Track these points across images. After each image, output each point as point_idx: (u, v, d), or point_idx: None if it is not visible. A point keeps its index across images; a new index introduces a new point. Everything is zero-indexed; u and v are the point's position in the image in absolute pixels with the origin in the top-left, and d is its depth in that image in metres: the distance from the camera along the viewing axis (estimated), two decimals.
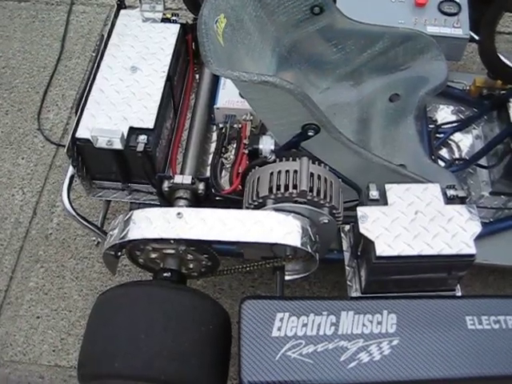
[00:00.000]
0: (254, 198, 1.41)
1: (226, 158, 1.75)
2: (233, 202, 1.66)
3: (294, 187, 1.38)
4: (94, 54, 1.73)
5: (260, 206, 1.42)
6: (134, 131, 1.53)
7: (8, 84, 2.41)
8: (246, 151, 1.69)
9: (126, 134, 1.51)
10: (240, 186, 1.64)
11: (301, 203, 1.39)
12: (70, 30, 2.58)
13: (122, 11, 1.82)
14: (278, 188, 1.39)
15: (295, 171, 1.40)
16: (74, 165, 1.59)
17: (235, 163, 1.72)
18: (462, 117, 2.00)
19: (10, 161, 2.19)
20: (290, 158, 1.43)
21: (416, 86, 1.78)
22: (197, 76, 1.93)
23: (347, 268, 1.54)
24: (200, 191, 1.57)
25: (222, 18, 1.55)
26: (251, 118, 1.77)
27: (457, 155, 1.93)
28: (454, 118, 2.00)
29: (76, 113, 1.59)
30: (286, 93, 1.33)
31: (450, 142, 1.97)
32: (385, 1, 1.90)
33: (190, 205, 1.56)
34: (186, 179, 1.55)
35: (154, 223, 1.38)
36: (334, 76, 1.89)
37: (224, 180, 1.74)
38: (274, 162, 1.45)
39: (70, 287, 1.90)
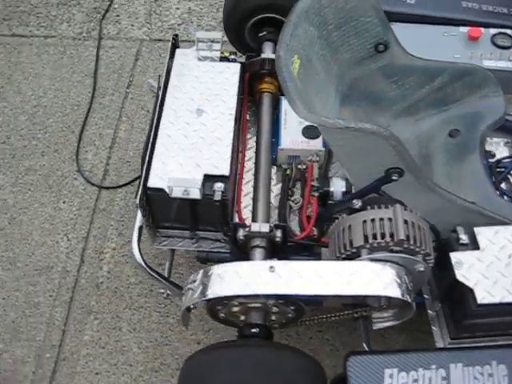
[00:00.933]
0: (348, 248, 1.39)
1: (293, 201, 1.71)
2: (304, 247, 1.63)
3: (391, 236, 1.35)
4: (154, 96, 1.69)
5: (353, 256, 1.38)
6: (209, 179, 1.50)
7: (41, 124, 2.37)
8: (316, 194, 1.67)
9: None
10: (313, 231, 1.62)
11: (396, 252, 1.36)
12: (100, 65, 2.55)
13: (178, 50, 1.79)
14: (374, 237, 1.36)
15: (389, 219, 1.38)
16: (144, 215, 1.54)
17: (303, 206, 1.69)
18: None
19: (50, 205, 2.14)
20: (381, 205, 1.40)
21: (475, 120, 1.80)
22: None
23: (430, 312, 1.51)
24: (277, 239, 1.54)
25: (296, 59, 1.54)
26: (317, 158, 1.74)
27: None
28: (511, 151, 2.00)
29: (143, 160, 1.55)
30: (379, 138, 1.32)
31: (510, 176, 1.96)
32: (437, 35, 1.91)
33: (267, 253, 1.52)
34: (264, 227, 1.53)
35: (244, 278, 1.35)
36: (392, 112, 1.88)
37: (292, 224, 1.70)
38: (362, 209, 1.42)
39: (127, 339, 1.84)
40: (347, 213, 1.44)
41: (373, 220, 1.39)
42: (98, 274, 1.98)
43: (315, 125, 1.59)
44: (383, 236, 1.36)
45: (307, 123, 1.77)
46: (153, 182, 1.49)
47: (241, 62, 1.79)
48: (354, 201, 1.45)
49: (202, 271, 1.40)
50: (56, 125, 2.35)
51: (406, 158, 1.39)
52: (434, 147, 1.82)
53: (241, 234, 1.54)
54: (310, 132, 1.77)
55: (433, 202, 1.47)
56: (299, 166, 1.76)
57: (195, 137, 1.58)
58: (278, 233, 1.54)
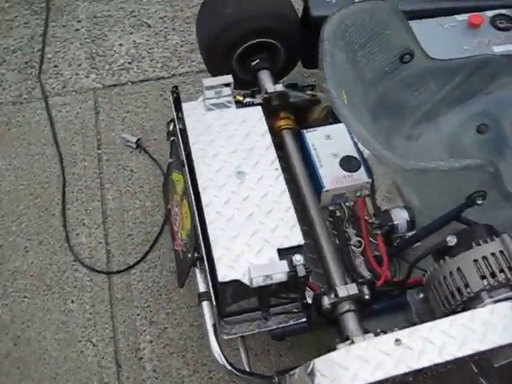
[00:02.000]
0: (464, 294, 1.26)
1: (354, 245, 1.56)
2: (384, 293, 1.49)
3: (510, 270, 1.23)
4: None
5: (469, 303, 1.26)
6: (284, 253, 1.32)
7: (12, 214, 2.07)
8: (379, 231, 1.53)
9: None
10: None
11: None
12: (57, 129, 2.25)
13: (184, 105, 1.57)
14: (492, 276, 1.24)
15: (501, 252, 1.26)
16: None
17: (366, 248, 1.54)
18: None
19: (57, 309, 1.86)
20: (483, 238, 1.28)
21: (500, 111, 1.74)
22: None
23: None
24: (366, 296, 1.38)
25: (344, 94, 1.38)
26: (366, 192, 1.60)
27: None
28: None
29: (195, 249, 1.35)
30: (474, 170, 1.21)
31: None
32: (437, 29, 1.82)
33: (358, 315, 1.38)
34: (351, 289, 1.38)
35: (371, 362, 1.18)
36: (412, 120, 1.79)
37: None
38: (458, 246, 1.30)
39: None
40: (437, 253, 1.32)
41: (484, 257, 1.27)
42: (142, 376, 1.74)
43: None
44: (502, 272, 1.25)
45: (342, 155, 1.63)
46: (223, 275, 1.30)
47: (259, 103, 1.61)
48: (449, 237, 1.32)
49: (309, 367, 1.22)
50: (30, 211, 2.05)
51: (498, 179, 1.28)
52: (464, 148, 1.75)
53: (326, 302, 1.38)
54: (349, 164, 1.63)
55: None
56: (347, 204, 1.62)
57: (249, 206, 1.39)
58: (366, 289, 1.39)
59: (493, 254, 1.27)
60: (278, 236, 1.35)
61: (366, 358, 1.20)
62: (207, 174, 1.44)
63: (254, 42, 1.81)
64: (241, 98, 1.61)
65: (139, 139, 2.18)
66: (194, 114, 1.56)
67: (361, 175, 1.61)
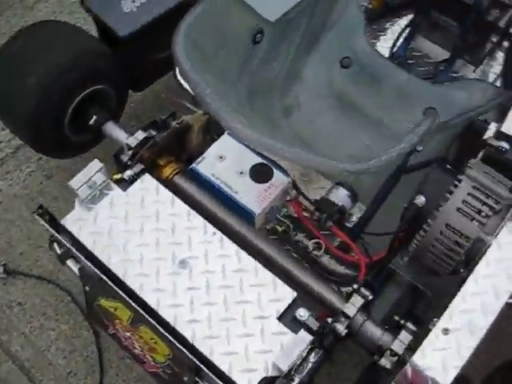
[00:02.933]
0: (466, 244, 1.22)
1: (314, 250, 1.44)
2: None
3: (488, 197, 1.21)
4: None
5: (475, 248, 1.22)
6: (286, 318, 1.19)
7: None
8: (331, 222, 1.42)
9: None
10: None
11: None
12: None
13: (65, 221, 1.27)
14: (479, 213, 1.21)
15: (474, 187, 1.23)
16: None
17: (327, 244, 1.43)
18: None
19: None
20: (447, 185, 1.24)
21: (349, 40, 1.69)
22: None
23: None
24: (370, 296, 1.31)
25: None
26: (295, 192, 1.46)
27: None
28: None
29: (192, 371, 1.14)
30: None
31: None
32: None
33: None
34: (356, 301, 1.29)
35: (437, 366, 1.12)
36: (283, 89, 1.67)
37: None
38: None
39: None
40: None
41: (464, 201, 1.22)
42: None
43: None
44: (484, 205, 1.22)
45: (247, 168, 1.46)
46: (248, 381, 1.11)
47: (141, 170, 1.35)
48: (416, 200, 1.26)
49: None
50: None
51: None
52: (341, 89, 1.66)
53: (342, 329, 1.26)
54: (261, 174, 1.47)
55: None
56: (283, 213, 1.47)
57: (216, 293, 1.20)
58: (365, 290, 1.30)
59: (469, 194, 1.23)
60: (268, 304, 1.18)
61: (431, 364, 1.13)
62: (149, 285, 1.20)
63: (80, 98, 1.52)
64: (118, 176, 1.34)
65: (4, 264, 1.81)
66: (84, 226, 1.27)
67: (278, 178, 1.46)
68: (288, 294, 1.19)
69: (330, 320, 1.28)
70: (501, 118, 1.42)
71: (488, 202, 1.22)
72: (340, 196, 1.45)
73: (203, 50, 1.28)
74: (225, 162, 1.49)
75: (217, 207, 1.43)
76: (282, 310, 1.17)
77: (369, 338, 1.28)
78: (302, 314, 1.17)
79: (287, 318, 1.17)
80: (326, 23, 1.64)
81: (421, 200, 1.26)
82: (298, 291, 1.33)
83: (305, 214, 1.47)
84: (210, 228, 1.26)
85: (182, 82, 1.64)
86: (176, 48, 1.20)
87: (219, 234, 1.25)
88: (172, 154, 1.50)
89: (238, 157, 1.49)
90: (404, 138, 1.08)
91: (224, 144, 1.51)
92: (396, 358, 1.23)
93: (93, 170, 1.28)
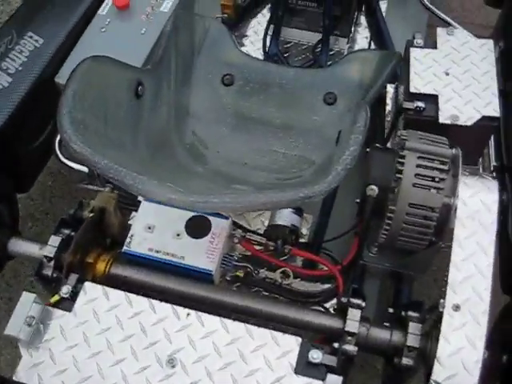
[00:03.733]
0: (435, 215, 1.19)
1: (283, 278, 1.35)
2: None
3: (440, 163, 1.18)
4: None
5: (446, 215, 1.19)
6: (301, 369, 1.07)
7: None
8: (288, 245, 1.34)
9: None
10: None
11: None
12: None
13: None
14: (436, 180, 1.18)
15: (419, 157, 1.20)
16: None
17: (292, 269, 1.35)
18: None
19: None
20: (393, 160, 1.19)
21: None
22: None
23: None
24: (363, 304, 1.23)
25: None
26: (240, 231, 1.36)
27: None
28: None
29: None
30: None
31: None
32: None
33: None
34: (354, 314, 1.20)
35: (464, 346, 1.08)
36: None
37: None
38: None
39: None
40: None
41: (417, 175, 1.18)
42: None
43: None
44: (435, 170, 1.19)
45: (181, 228, 1.33)
46: None
47: (78, 279, 1.18)
48: (368, 191, 1.21)
49: None
50: None
51: None
52: (233, 108, 1.59)
53: (353, 349, 1.18)
54: (199, 229, 1.34)
55: None
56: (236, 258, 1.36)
57: (221, 374, 1.06)
58: (356, 300, 1.23)
59: (418, 166, 1.19)
60: (278, 363, 1.07)
61: (458, 345, 1.08)
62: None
63: None
64: (57, 298, 1.15)
65: None
66: (42, 371, 1.06)
67: (218, 224, 1.34)
68: (293, 342, 1.08)
69: (336, 345, 1.21)
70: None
71: (437, 166, 1.19)
72: (285, 216, 1.37)
73: (94, 128, 1.13)
74: (155, 231, 1.34)
75: (171, 281, 1.29)
76: (295, 362, 1.07)
77: (380, 344, 1.21)
78: (316, 355, 1.07)
79: (303, 367, 1.07)
80: (193, 48, 1.53)
81: (374, 190, 1.21)
82: (292, 331, 1.25)
83: (257, 247, 1.38)
84: (181, 310, 1.12)
85: (71, 164, 1.49)
86: (67, 137, 1.04)
87: (193, 312, 1.12)
88: (97, 246, 1.33)
89: (166, 220, 1.35)
90: (347, 148, 1.01)
91: (146, 213, 1.37)
92: (416, 352, 1.18)
93: (26, 305, 1.08)
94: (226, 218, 1.35)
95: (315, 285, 1.36)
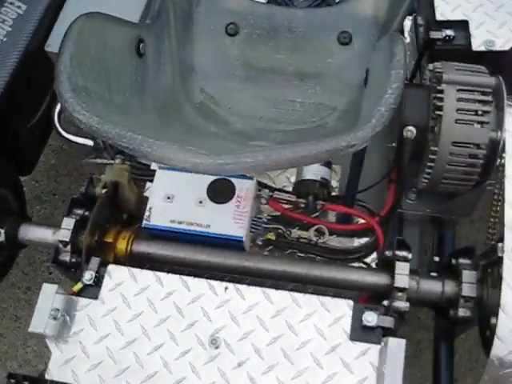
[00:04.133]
0: (482, 151, 1.06)
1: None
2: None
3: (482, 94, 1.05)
4: None
5: (494, 147, 1.06)
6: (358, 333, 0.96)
7: None
8: (320, 201, 1.22)
9: None
10: None
11: None
12: None
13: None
14: (480, 114, 1.05)
15: (459, 90, 1.06)
16: None
17: (328, 225, 1.23)
18: None
19: None
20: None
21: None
22: None
23: None
24: (409, 255, 1.12)
25: None
26: (266, 191, 1.23)
27: None
28: None
29: None
30: None
31: None
32: None
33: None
34: (403, 268, 1.08)
35: None
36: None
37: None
38: None
39: None
40: None
41: (459, 110, 1.05)
42: None
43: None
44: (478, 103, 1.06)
45: (202, 194, 1.20)
46: None
47: (101, 262, 1.06)
48: (407, 133, 1.07)
49: None
50: None
51: None
52: (241, 60, 1.44)
53: (404, 305, 1.07)
54: (222, 193, 1.21)
55: None
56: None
57: (270, 350, 0.95)
58: (403, 252, 1.11)
59: (459, 100, 1.06)
60: (331, 331, 0.96)
61: None
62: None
63: None
64: (80, 286, 1.03)
65: None
66: (76, 366, 0.96)
67: (243, 186, 1.21)
68: (344, 307, 0.98)
69: (385, 303, 1.10)
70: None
71: (480, 98, 1.06)
72: (314, 169, 1.24)
73: (97, 94, 0.99)
74: (175, 200, 1.22)
75: (199, 253, 1.17)
76: (349, 328, 0.96)
77: (432, 297, 1.10)
78: (370, 318, 0.97)
79: (358, 332, 0.96)
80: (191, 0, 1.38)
81: (411, 131, 1.08)
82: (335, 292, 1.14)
83: (287, 206, 1.26)
84: (218, 285, 1.01)
85: (73, 138, 1.36)
86: (69, 107, 0.91)
87: (231, 285, 1.01)
88: (115, 224, 1.21)
89: (186, 187, 1.23)
90: (388, 86, 0.87)
91: (162, 182, 1.24)
92: (472, 302, 1.07)
93: (48, 297, 0.97)
94: (250, 178, 1.22)
95: (352, 240, 1.25)
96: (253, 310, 0.98)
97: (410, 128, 1.08)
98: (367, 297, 1.18)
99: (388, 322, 0.97)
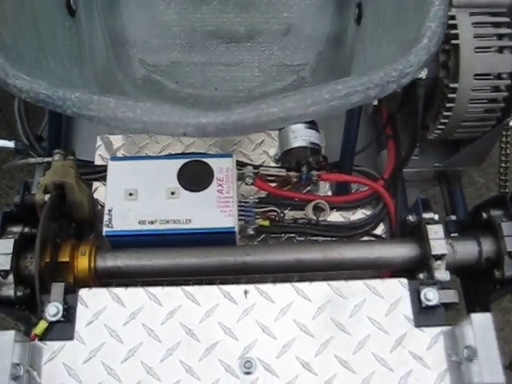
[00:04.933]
0: (504, 80, 0.88)
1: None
2: None
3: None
4: None
5: None
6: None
7: None
8: (314, 171, 0.99)
9: None
10: None
11: None
12: None
13: None
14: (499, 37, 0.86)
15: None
16: None
17: (325, 199, 1.00)
18: None
19: None
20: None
21: None
22: None
23: None
24: (434, 215, 0.92)
25: None
26: (251, 169, 0.98)
27: None
28: None
29: None
30: None
31: None
32: None
33: None
34: (437, 231, 0.87)
35: None
36: None
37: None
38: None
39: None
40: None
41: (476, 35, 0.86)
42: None
43: None
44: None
45: (172, 185, 0.92)
46: None
47: (67, 288, 0.75)
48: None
49: None
50: None
51: None
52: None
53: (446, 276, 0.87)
54: (196, 180, 0.93)
55: None
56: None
57: (323, 359, 0.70)
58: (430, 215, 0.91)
59: (475, 24, 0.86)
60: (390, 321, 0.72)
61: None
62: None
63: None
64: (44, 326, 0.71)
65: None
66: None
67: (222, 166, 0.94)
68: (398, 287, 0.75)
69: (421, 275, 0.89)
70: None
71: (496, 19, 0.87)
72: (302, 135, 1.00)
73: (31, 58, 0.68)
74: (140, 195, 0.92)
75: (185, 256, 0.89)
76: (411, 313, 0.74)
77: (470, 259, 0.91)
78: (431, 295, 0.75)
79: (422, 315, 0.74)
80: None
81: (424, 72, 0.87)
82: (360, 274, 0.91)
83: (273, 185, 1.01)
84: (234, 289, 0.74)
85: None
86: (1, 72, 0.60)
87: (251, 287, 0.74)
88: (67, 237, 0.90)
89: (150, 177, 0.94)
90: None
91: (118, 176, 0.94)
92: None
93: (4, 350, 0.65)
94: (228, 155, 0.96)
95: (359, 211, 1.02)
96: (288, 314, 0.72)
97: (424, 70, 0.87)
98: (389, 275, 0.96)
99: (451, 296, 0.76)
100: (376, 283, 0.75)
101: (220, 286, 0.74)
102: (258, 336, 0.71)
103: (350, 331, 0.72)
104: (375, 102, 1.11)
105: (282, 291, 0.74)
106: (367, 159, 1.08)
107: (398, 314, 0.73)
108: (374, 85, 0.61)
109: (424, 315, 0.74)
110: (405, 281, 0.75)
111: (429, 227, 0.87)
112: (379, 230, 1.02)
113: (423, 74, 0.87)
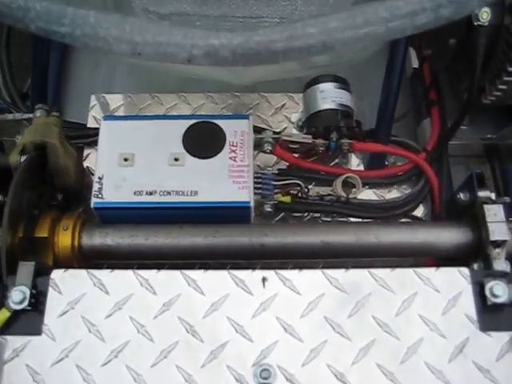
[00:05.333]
0: None
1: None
2: None
3: None
4: None
5: None
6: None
7: None
8: (345, 138, 0.81)
9: None
10: None
11: None
12: None
13: None
14: None
15: None
16: None
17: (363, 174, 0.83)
18: None
19: None
20: None
21: None
22: None
23: None
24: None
25: None
26: (270, 134, 0.81)
27: None
28: None
29: None
30: None
31: None
32: None
33: None
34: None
35: None
36: None
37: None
38: None
39: None
40: None
41: None
42: None
43: None
44: None
45: (182, 150, 0.75)
46: None
47: (37, 269, 0.58)
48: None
49: None
50: None
51: None
52: None
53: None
54: (204, 143, 0.77)
55: None
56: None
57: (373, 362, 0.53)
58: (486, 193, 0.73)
59: None
60: (448, 321, 0.55)
61: None
62: None
63: None
64: (7, 314, 0.56)
65: None
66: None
67: (236, 129, 0.77)
68: (458, 278, 0.58)
69: (475, 266, 0.72)
70: None
71: None
72: (332, 96, 0.83)
73: None
74: (137, 161, 0.75)
75: (190, 235, 0.72)
76: (476, 313, 0.56)
77: None
78: (500, 290, 0.58)
79: (489, 316, 0.57)
80: None
81: (487, 13, 0.70)
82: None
83: (296, 155, 0.84)
84: (248, 276, 0.57)
85: None
86: None
87: (271, 274, 0.57)
88: (48, 209, 0.73)
89: (150, 140, 0.77)
90: None
91: (112, 138, 0.78)
92: None
93: None
94: (244, 116, 0.79)
95: (392, 190, 0.85)
96: (317, 309, 0.55)
97: (485, 9, 0.70)
98: (431, 264, 0.79)
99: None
100: (429, 273, 0.58)
101: (231, 271, 0.57)
102: (279, 337, 0.54)
103: (397, 334, 0.54)
104: (415, 65, 0.95)
105: (310, 280, 0.57)
106: (404, 130, 0.91)
107: (458, 313, 0.56)
108: (449, 1, 0.44)
109: (491, 316, 0.56)
110: (466, 271, 0.58)
111: (486, 207, 0.70)
112: (419, 211, 0.85)
113: (485, 20, 0.70)
